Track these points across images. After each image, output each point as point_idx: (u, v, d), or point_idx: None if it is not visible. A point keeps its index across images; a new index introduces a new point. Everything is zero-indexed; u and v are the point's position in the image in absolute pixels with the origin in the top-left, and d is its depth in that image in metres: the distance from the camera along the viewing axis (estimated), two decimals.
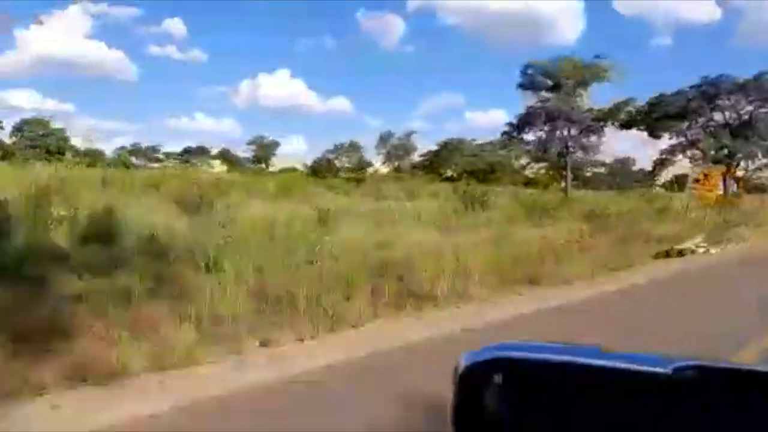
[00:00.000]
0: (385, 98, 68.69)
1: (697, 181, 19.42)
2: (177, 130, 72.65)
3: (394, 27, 62.47)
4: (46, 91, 67.56)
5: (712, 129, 31.19)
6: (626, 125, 34.02)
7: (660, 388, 0.68)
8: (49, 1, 64.37)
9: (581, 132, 32.32)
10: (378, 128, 76.57)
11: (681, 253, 11.51)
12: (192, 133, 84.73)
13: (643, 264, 10.36)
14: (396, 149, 44.52)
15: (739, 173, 34.13)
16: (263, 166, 48.33)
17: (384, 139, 44.52)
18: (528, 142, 34.68)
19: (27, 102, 70.61)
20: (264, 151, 48.84)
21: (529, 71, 32.49)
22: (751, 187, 36.26)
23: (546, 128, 32.01)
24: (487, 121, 69.16)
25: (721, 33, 50.81)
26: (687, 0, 50.21)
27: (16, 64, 51.14)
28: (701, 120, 31.60)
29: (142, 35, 70.60)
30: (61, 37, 49.78)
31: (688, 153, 31.55)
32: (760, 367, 0.71)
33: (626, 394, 0.71)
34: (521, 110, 33.79)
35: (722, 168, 20.56)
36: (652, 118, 32.40)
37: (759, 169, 34.07)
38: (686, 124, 31.67)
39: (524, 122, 33.05)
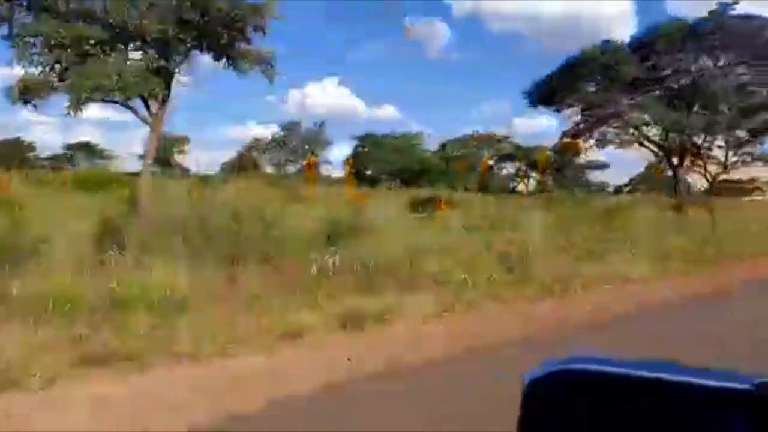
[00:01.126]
0: (433, 106, 67.46)
1: None
2: (232, 139, 79.18)
3: (440, 33, 64.39)
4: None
5: (649, 95, 20.35)
6: (541, 101, 23.75)
7: (741, 404, 0.65)
8: None
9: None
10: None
11: None
12: (244, 141, 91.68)
13: None
14: (305, 143, 36.47)
15: (713, 167, 22.77)
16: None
17: (287, 129, 36.55)
18: None
19: None
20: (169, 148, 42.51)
21: None
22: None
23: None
24: (536, 126, 70.89)
25: None
26: None
27: None
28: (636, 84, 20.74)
29: None
30: None
31: (596, 133, 20.72)
32: None
33: (703, 411, 0.66)
34: None
35: None
36: (568, 85, 22.06)
37: (743, 159, 22.54)
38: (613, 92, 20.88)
39: None
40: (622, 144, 20.84)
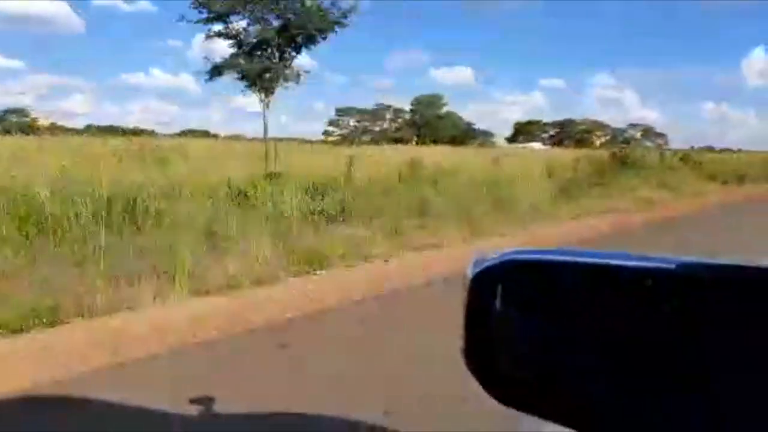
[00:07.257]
0: (349, 55, 71.41)
1: None
2: (135, 87, 79.72)
3: None
4: None
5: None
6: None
7: (665, 284, 0.65)
8: None
9: None
10: (341, 86, 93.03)
11: None
12: (150, 90, 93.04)
13: None
14: None
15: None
16: None
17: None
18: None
19: None
20: None
21: None
22: None
23: None
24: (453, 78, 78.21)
25: None
26: None
27: None
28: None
29: None
30: None
31: None
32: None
33: (630, 291, 0.68)
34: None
35: None
36: None
37: None
38: None
39: None
40: None
